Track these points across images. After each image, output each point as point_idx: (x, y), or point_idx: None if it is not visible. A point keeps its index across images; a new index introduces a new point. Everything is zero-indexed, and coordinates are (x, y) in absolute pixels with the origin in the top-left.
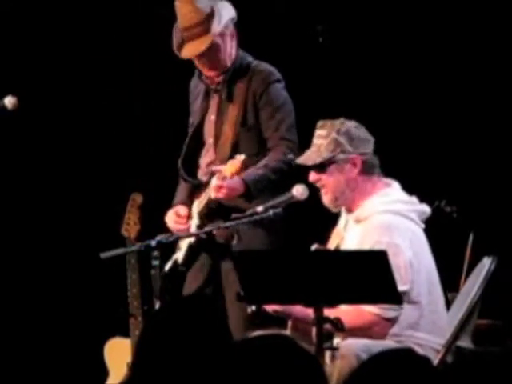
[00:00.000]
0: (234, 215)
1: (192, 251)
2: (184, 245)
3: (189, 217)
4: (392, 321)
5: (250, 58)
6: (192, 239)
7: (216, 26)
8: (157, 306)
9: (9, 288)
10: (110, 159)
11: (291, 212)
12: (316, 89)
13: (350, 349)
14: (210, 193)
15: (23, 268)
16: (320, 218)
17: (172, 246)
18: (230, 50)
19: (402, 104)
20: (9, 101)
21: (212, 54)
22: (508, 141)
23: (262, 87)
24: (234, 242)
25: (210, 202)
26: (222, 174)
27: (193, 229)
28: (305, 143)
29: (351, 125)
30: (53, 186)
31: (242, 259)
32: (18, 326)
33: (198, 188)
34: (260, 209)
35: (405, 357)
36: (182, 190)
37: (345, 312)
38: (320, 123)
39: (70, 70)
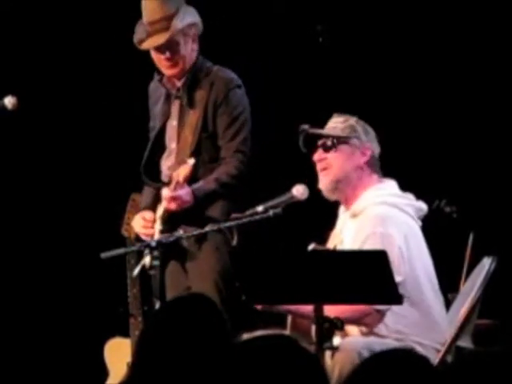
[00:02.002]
0: (233, 215)
1: (156, 256)
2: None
3: (154, 221)
4: (382, 313)
5: (209, 63)
6: (154, 244)
7: (177, 23)
8: (157, 305)
9: (9, 288)
10: (110, 159)
11: (291, 212)
12: (316, 89)
13: (352, 346)
14: (163, 203)
15: (23, 268)
16: (320, 218)
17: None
18: (191, 52)
19: (401, 104)
20: (9, 101)
21: (172, 49)
22: (508, 141)
23: (222, 94)
24: (234, 242)
25: (167, 211)
26: (174, 180)
27: (156, 233)
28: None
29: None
30: (53, 186)
31: (241, 259)
32: (19, 325)
33: (160, 191)
34: (260, 209)
35: (404, 356)
36: (146, 194)
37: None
38: (336, 114)
39: (70, 70)
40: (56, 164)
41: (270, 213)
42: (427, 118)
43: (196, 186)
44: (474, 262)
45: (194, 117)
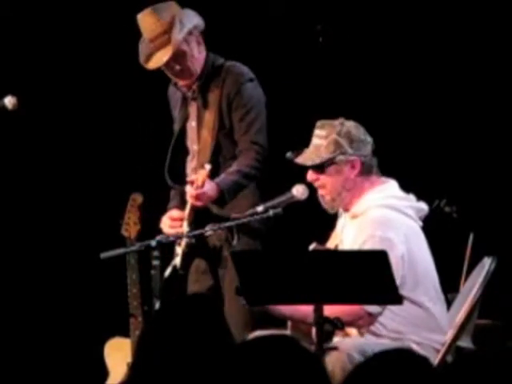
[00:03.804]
0: (233, 215)
1: (186, 256)
2: (180, 250)
3: (182, 219)
4: (374, 316)
5: (221, 60)
6: (183, 245)
7: (176, 34)
8: (157, 305)
9: (9, 288)
10: (110, 159)
11: (291, 212)
12: (316, 88)
13: (342, 348)
14: (188, 200)
15: (24, 268)
16: (320, 218)
17: (171, 247)
18: (198, 55)
19: (401, 104)
20: (9, 101)
21: (179, 61)
22: (508, 141)
23: (234, 89)
24: (234, 242)
25: (192, 208)
26: (196, 183)
27: (184, 233)
28: (304, 143)
29: (351, 125)
30: (53, 186)
31: (242, 259)
32: (19, 325)
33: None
34: (260, 209)
35: (404, 357)
36: (174, 195)
37: (335, 305)
38: (319, 123)
39: (70, 70)
40: (56, 164)
41: (270, 213)
42: (427, 118)
43: (219, 178)
44: (474, 262)
45: (209, 116)
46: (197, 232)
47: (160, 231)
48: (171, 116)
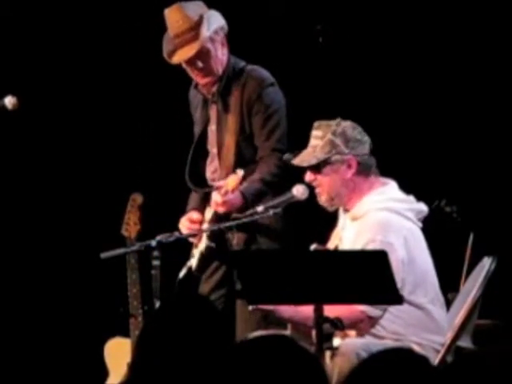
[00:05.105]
0: (233, 215)
1: (204, 259)
2: (196, 252)
3: (201, 222)
4: (375, 320)
5: (242, 63)
6: (202, 248)
7: (205, 31)
8: (157, 305)
9: (9, 288)
10: (110, 159)
11: (291, 212)
12: (316, 89)
13: (350, 347)
14: (212, 207)
15: (24, 268)
16: (320, 218)
17: (171, 247)
18: (222, 57)
19: (401, 104)
20: (9, 101)
21: (203, 59)
22: (508, 141)
23: (254, 95)
24: (234, 241)
25: (216, 214)
26: (224, 188)
27: (204, 237)
28: (303, 143)
29: (347, 125)
30: (53, 187)
31: (242, 259)
32: (19, 325)
33: (209, 194)
34: (260, 209)
35: (404, 356)
36: (193, 197)
37: (336, 307)
38: (316, 124)
39: (70, 70)
40: (56, 164)
41: (270, 213)
42: (427, 118)
43: (243, 186)
44: (474, 262)
45: (231, 120)
46: (192, 232)
47: (160, 231)
48: (191, 118)
